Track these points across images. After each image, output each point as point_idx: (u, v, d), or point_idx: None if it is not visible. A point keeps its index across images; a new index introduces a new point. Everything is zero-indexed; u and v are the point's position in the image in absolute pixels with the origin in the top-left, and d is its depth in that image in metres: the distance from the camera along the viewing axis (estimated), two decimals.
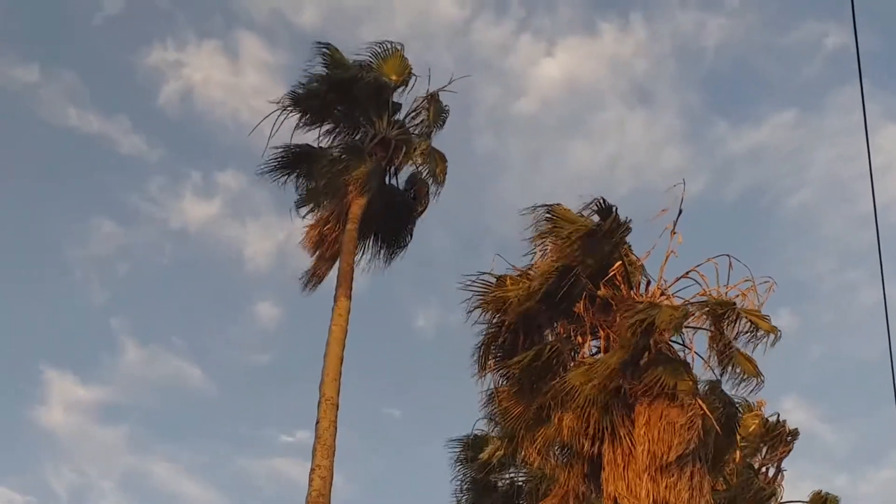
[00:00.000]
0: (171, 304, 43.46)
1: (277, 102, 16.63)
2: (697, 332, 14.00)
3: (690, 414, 12.99)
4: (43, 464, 39.59)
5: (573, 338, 14.19)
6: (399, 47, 17.40)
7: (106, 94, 43.02)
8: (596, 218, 13.74)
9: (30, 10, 41.49)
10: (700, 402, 13.20)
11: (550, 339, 14.10)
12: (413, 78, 17.43)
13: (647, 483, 12.92)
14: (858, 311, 40.04)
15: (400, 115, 17.43)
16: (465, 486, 18.53)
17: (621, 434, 13.18)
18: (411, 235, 17.54)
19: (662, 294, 14.20)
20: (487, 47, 44.30)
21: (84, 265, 41.32)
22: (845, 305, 42.90)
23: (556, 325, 14.23)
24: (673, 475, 12.90)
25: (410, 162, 17.26)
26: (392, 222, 17.41)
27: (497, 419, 14.87)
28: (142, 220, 42.66)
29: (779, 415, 19.41)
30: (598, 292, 13.90)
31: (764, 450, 19.30)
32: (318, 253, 16.70)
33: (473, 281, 14.08)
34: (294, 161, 16.96)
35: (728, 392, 13.87)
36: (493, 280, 14.18)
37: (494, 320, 14.11)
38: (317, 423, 14.51)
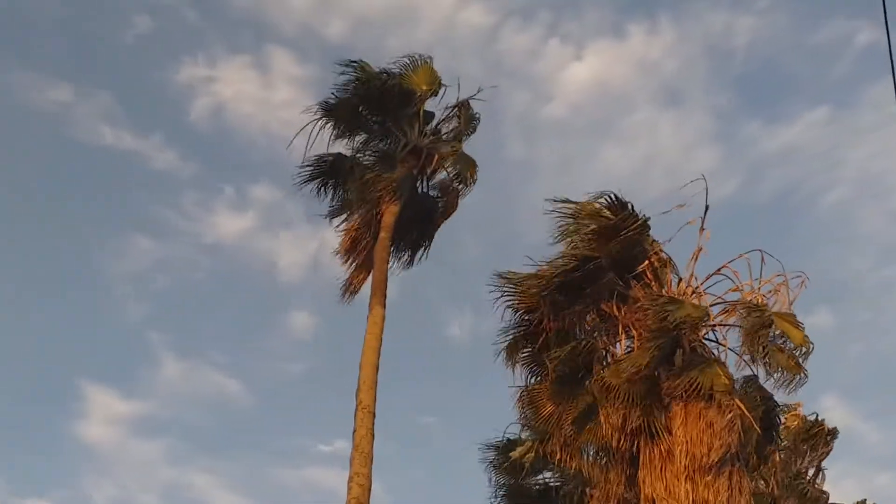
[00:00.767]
0: (207, 317, 44.01)
1: (310, 112, 16.70)
2: (731, 329, 13.89)
3: (729, 415, 12.90)
4: (84, 478, 40.12)
5: (607, 336, 14.14)
6: (428, 59, 17.44)
7: (139, 111, 43.74)
8: (608, 213, 13.74)
9: (63, 30, 42.67)
10: (738, 401, 13.06)
11: (582, 336, 14.11)
12: (443, 88, 17.47)
13: (685, 484, 12.84)
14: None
15: (431, 124, 17.48)
16: (500, 491, 18.45)
17: (658, 434, 13.12)
18: (430, 240, 17.49)
19: (694, 291, 14.11)
20: (515, 53, 44.53)
21: (121, 281, 41.88)
22: (884, 303, 42.57)
23: (585, 318, 14.20)
24: (712, 476, 12.80)
25: (441, 168, 17.27)
26: (422, 229, 17.41)
27: (529, 420, 14.72)
28: (177, 234, 43.23)
29: (817, 414, 19.29)
30: (628, 291, 13.87)
31: (804, 449, 19.09)
32: (352, 262, 16.77)
33: (501, 276, 14.03)
34: (327, 171, 16.99)
35: (767, 388, 13.78)
36: (522, 276, 14.04)
37: (525, 318, 14.05)
38: (354, 431, 14.49)
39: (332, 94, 16.65)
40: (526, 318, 14.05)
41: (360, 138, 17.16)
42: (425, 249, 17.59)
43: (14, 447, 37.26)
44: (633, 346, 13.75)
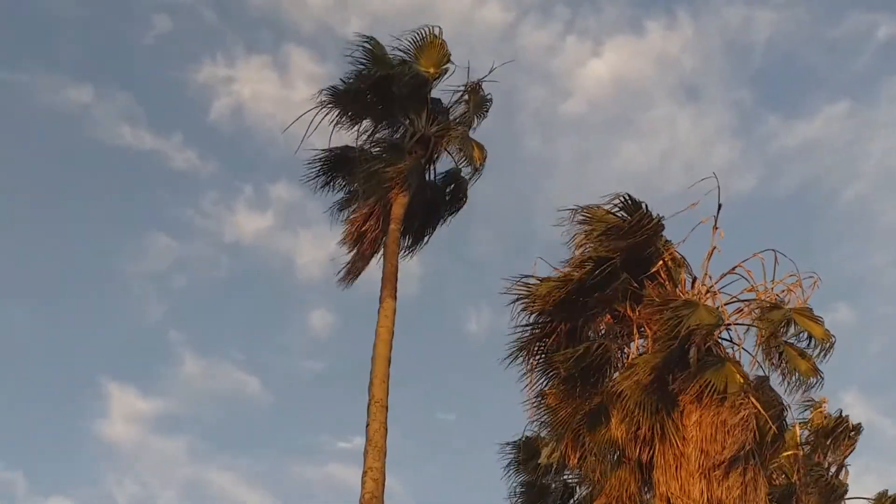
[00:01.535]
0: (227, 315, 44.22)
1: (316, 98, 16.77)
2: (747, 329, 13.92)
3: (744, 413, 12.85)
4: (106, 475, 40.31)
5: (620, 337, 14.18)
6: (437, 33, 17.25)
7: (158, 111, 43.99)
8: (623, 214, 13.70)
9: (82, 31, 43.15)
10: (753, 399, 13.02)
11: (595, 337, 14.12)
12: (452, 66, 17.32)
13: (700, 483, 12.87)
14: None
15: (439, 110, 17.39)
16: (519, 490, 18.61)
17: (672, 434, 13.14)
18: (434, 228, 17.50)
19: (708, 291, 14.10)
20: (533, 50, 44.37)
21: (141, 280, 42.27)
22: None
23: (599, 320, 14.23)
24: (726, 474, 12.82)
25: (448, 154, 17.24)
26: (427, 218, 17.44)
27: (545, 422, 14.76)
28: (196, 234, 43.70)
29: (841, 410, 19.18)
30: (642, 291, 13.86)
31: (828, 445, 19.00)
32: (357, 249, 16.74)
33: (516, 282, 14.01)
34: (335, 163, 17.06)
35: (781, 391, 13.75)
36: (537, 282, 14.08)
37: (539, 320, 14.09)
38: (367, 425, 14.52)
39: (340, 80, 16.72)
40: (540, 320, 14.06)
41: (367, 126, 17.17)
42: (428, 236, 17.60)
43: (36, 445, 38.11)
44: (646, 346, 13.75)
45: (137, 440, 41.39)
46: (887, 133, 43.60)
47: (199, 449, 41.58)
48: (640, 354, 13.68)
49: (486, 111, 17.53)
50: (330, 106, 16.66)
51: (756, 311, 13.77)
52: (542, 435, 17.39)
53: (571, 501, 18.53)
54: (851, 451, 18.98)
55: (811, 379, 13.63)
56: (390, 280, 15.56)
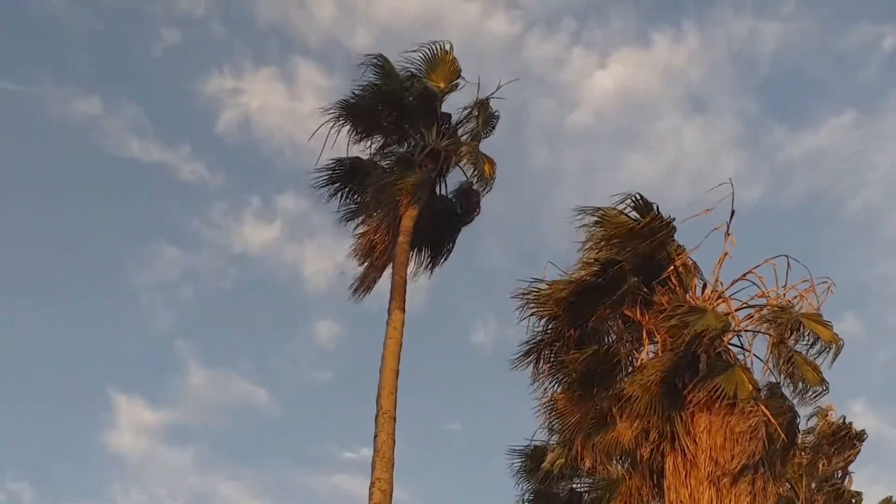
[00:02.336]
0: (234, 326, 44.72)
1: (328, 112, 16.78)
2: (757, 335, 13.83)
3: (753, 421, 12.86)
4: (113, 486, 40.61)
5: (630, 342, 14.07)
6: (448, 48, 17.40)
7: (166, 123, 44.44)
8: (635, 215, 13.62)
9: (91, 44, 43.38)
10: (763, 407, 12.99)
11: (604, 341, 14.05)
12: (462, 81, 17.45)
13: (709, 490, 12.82)
14: None
15: (449, 125, 17.44)
16: (527, 497, 18.52)
17: (683, 442, 13.10)
18: (454, 243, 17.53)
19: (719, 297, 14.04)
20: (540, 62, 45.06)
21: (149, 291, 42.63)
22: None
23: (609, 325, 14.14)
24: (736, 482, 12.80)
25: (458, 168, 17.31)
26: (442, 232, 17.42)
27: (554, 427, 14.71)
28: (204, 245, 44.18)
29: (845, 417, 19.19)
30: (653, 296, 13.78)
31: (831, 452, 18.99)
32: (368, 262, 16.74)
33: (526, 288, 13.92)
34: (345, 175, 17.06)
35: (790, 397, 13.66)
36: (546, 287, 13.98)
37: (548, 325, 13.99)
38: (375, 436, 14.49)
39: (352, 93, 16.75)
40: (549, 325, 13.97)
41: (377, 140, 17.19)
42: (447, 253, 17.62)
43: (43, 456, 38.33)
44: (656, 351, 13.67)
45: (145, 450, 41.89)
46: (894, 143, 43.67)
47: (206, 459, 42.05)
48: (650, 359, 13.59)
49: (494, 127, 17.66)
50: (341, 120, 16.71)
51: (767, 313, 13.71)
52: (551, 442, 17.35)
53: None
54: (855, 458, 19.01)
55: (817, 388, 13.58)
56: (399, 292, 15.56)
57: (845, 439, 19.02)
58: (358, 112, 16.74)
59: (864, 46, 45.91)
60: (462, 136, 17.25)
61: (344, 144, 16.96)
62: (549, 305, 13.86)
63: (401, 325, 15.22)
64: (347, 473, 40.59)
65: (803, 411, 16.28)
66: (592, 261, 13.65)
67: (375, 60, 16.81)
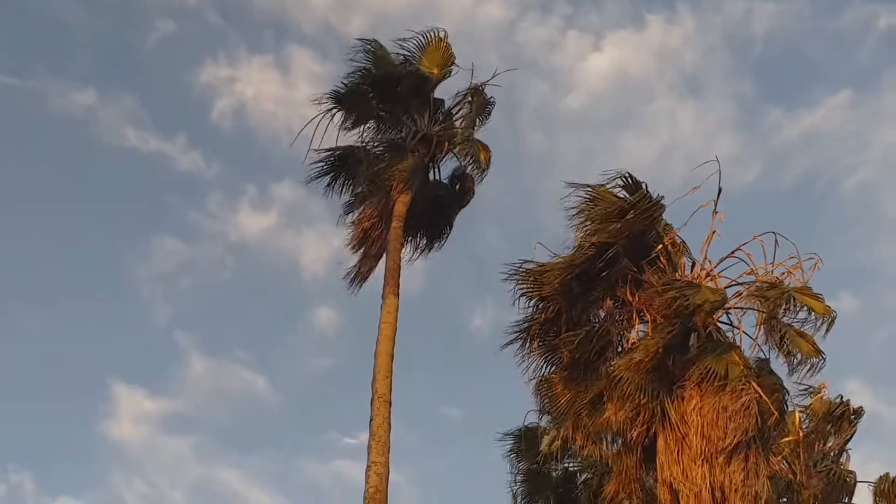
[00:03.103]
0: (233, 315, 44.22)
1: (319, 101, 16.77)
2: (745, 312, 13.90)
3: (745, 398, 12.87)
4: (114, 476, 40.39)
5: (621, 322, 14.15)
6: (442, 35, 17.39)
7: (162, 113, 43.99)
8: (624, 194, 13.68)
9: (85, 35, 43.15)
10: (754, 384, 13.05)
11: (596, 322, 14.09)
12: (456, 68, 17.47)
13: (702, 468, 12.89)
14: None
15: (442, 110, 17.45)
16: (520, 478, 18.62)
17: (674, 420, 13.16)
18: (451, 227, 17.58)
19: (708, 275, 14.10)
20: (534, 45, 44.34)
21: (148, 281, 42.35)
22: None
23: (600, 305, 14.19)
24: (729, 460, 12.85)
25: (452, 155, 17.29)
26: (436, 217, 17.45)
27: (547, 408, 14.80)
28: (202, 235, 43.70)
29: (842, 395, 19.03)
30: (642, 276, 13.82)
31: (829, 430, 18.91)
32: (362, 251, 16.81)
33: (517, 269, 14.09)
34: (338, 164, 17.08)
35: (784, 374, 13.76)
36: (536, 268, 14.10)
37: (539, 306, 14.10)
38: (370, 420, 14.53)
39: (343, 82, 16.77)
40: (541, 306, 14.07)
41: (370, 127, 17.19)
42: (444, 238, 17.67)
43: (44, 447, 38.07)
44: (647, 331, 13.74)
45: (146, 441, 41.56)
46: (890, 123, 43.89)
47: (207, 448, 41.58)
48: (641, 339, 13.66)
49: (490, 114, 17.73)
50: (333, 108, 16.73)
51: (755, 292, 13.73)
52: (543, 423, 17.44)
53: (573, 487, 18.56)
54: (853, 436, 18.92)
55: (813, 359, 13.59)
56: (393, 277, 15.57)
57: (843, 417, 18.97)
58: (350, 99, 16.75)
59: (858, 26, 45.53)
60: (456, 121, 17.30)
61: (337, 133, 17.03)
62: (539, 286, 13.97)
63: (395, 310, 15.25)
64: (349, 459, 40.52)
65: (800, 385, 16.39)
66: (587, 244, 13.71)
67: (369, 45, 16.86)
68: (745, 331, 13.81)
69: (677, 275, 14.07)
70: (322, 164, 16.97)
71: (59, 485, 40.62)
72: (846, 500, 18.41)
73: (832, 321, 13.63)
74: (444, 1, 41.68)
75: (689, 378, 13.19)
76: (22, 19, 40.83)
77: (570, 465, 18.49)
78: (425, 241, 17.58)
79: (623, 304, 14.08)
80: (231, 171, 44.51)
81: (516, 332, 14.14)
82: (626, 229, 13.61)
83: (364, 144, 17.20)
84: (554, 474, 18.48)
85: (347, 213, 17.13)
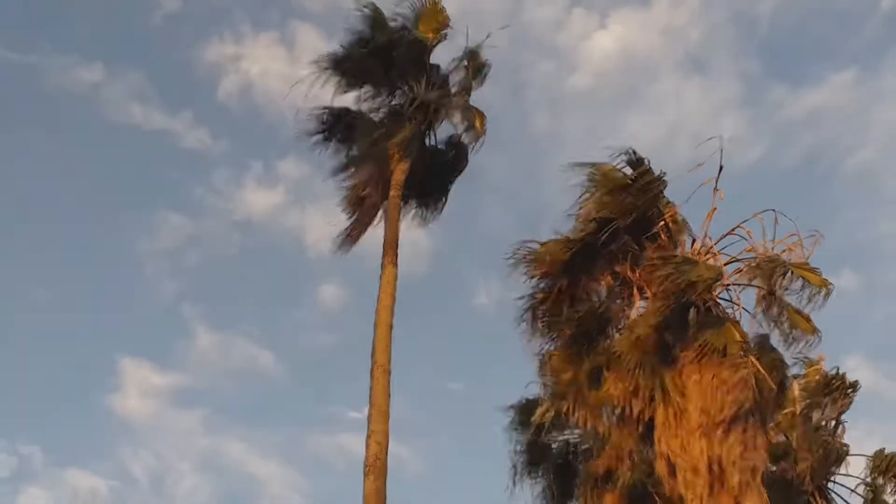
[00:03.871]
0: (239, 291, 45.08)
1: (318, 63, 16.84)
2: (744, 288, 14.05)
3: (743, 372, 13.00)
4: (123, 449, 41.45)
5: (621, 298, 14.29)
6: None
7: (168, 90, 44.73)
8: (629, 170, 13.81)
9: (92, 12, 43.44)
10: (752, 358, 13.18)
11: (597, 298, 14.29)
12: (451, 31, 17.48)
13: (700, 441, 13.02)
14: None
15: (438, 76, 17.43)
16: (521, 449, 18.86)
17: (672, 394, 13.28)
18: (446, 195, 17.63)
19: (708, 252, 14.24)
20: (540, 24, 44.85)
21: (154, 257, 43.18)
22: None
23: (601, 281, 14.35)
24: (727, 433, 12.96)
25: (448, 121, 17.30)
26: (433, 184, 17.51)
27: (548, 381, 15.03)
28: (208, 211, 44.50)
29: (838, 368, 19.27)
30: (643, 252, 13.98)
31: (824, 402, 19.14)
32: (356, 215, 16.82)
33: (520, 248, 14.31)
34: (333, 125, 17.09)
35: (782, 349, 13.89)
36: (539, 246, 14.33)
37: (541, 284, 14.30)
38: (370, 389, 14.66)
39: (341, 45, 16.82)
40: (544, 283, 14.24)
41: (366, 91, 17.18)
42: (440, 206, 17.71)
43: (53, 421, 39.20)
44: (646, 306, 13.84)
45: (153, 414, 42.36)
46: (893, 100, 43.60)
47: (214, 421, 42.52)
48: (640, 315, 13.81)
49: (486, 77, 17.60)
50: (330, 71, 16.74)
51: (755, 265, 13.89)
52: (543, 395, 17.63)
53: (572, 459, 18.82)
54: (848, 408, 19.14)
55: (810, 336, 13.75)
56: (392, 247, 15.65)
57: (838, 390, 19.19)
58: (347, 63, 16.76)
59: (863, 4, 46.22)
60: (452, 87, 17.26)
61: (334, 95, 17.09)
62: (542, 264, 14.16)
63: (394, 280, 15.33)
64: (353, 432, 41.37)
65: (795, 361, 16.59)
66: (590, 220, 13.84)
67: (365, 8, 16.86)
68: (745, 307, 13.93)
69: (677, 251, 14.18)
70: (317, 123, 17.03)
71: (68, 457, 42.52)
72: (839, 471, 18.62)
73: (829, 293, 13.77)
74: None
75: (688, 353, 13.33)
76: None
77: (570, 437, 18.74)
78: (421, 211, 17.66)
79: (623, 280, 14.20)
80: (237, 148, 45.04)
81: (520, 308, 14.32)
82: (628, 205, 13.74)
83: (360, 108, 17.22)
84: (553, 446, 18.74)
85: (339, 174, 17.14)
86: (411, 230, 17.53)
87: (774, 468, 17.83)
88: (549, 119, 45.80)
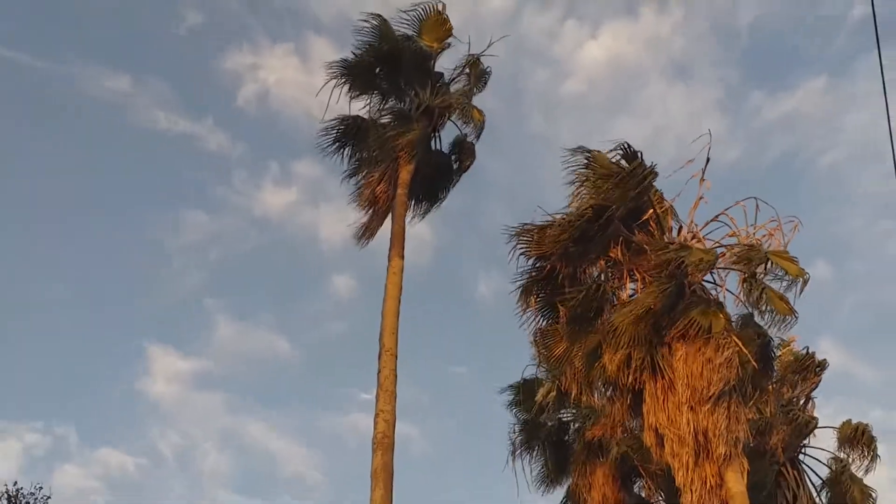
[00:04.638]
0: (257, 283, 47.70)
1: (329, 69, 17.58)
2: (729, 272, 14.75)
3: (728, 352, 13.72)
4: (151, 429, 43.96)
5: (613, 280, 14.95)
6: (440, 8, 18.16)
7: (191, 97, 47.45)
8: (623, 162, 14.42)
9: (120, 25, 45.55)
10: (735, 337, 13.89)
11: (591, 280, 14.86)
12: (454, 40, 18.25)
13: (686, 414, 13.67)
14: (891, 260, 43.15)
15: (442, 82, 18.20)
16: (518, 427, 19.72)
17: (662, 370, 13.96)
18: (447, 192, 18.47)
19: (694, 237, 14.94)
20: (535, 35, 47.13)
21: (180, 252, 45.50)
22: (877, 255, 45.46)
23: (595, 265, 14.98)
24: (711, 407, 13.58)
25: (452, 123, 18.10)
26: (438, 183, 18.31)
27: (544, 359, 15.72)
28: (229, 209, 46.80)
29: (808, 347, 20.20)
30: (634, 237, 14.65)
31: (795, 380, 20.03)
32: (371, 211, 17.57)
33: (517, 229, 14.77)
34: (347, 132, 17.83)
35: (761, 327, 14.59)
36: (535, 228, 14.75)
37: (537, 265, 14.87)
38: (378, 372, 15.34)
39: (352, 53, 17.50)
40: (539, 265, 14.79)
41: (375, 97, 17.93)
42: (442, 201, 18.52)
43: (87, 403, 41.60)
44: (636, 289, 14.60)
45: (178, 396, 44.88)
46: (861, 105, 46.42)
47: (234, 403, 44.96)
48: (632, 296, 14.52)
49: (486, 83, 18.45)
50: (342, 79, 17.52)
51: (738, 252, 14.62)
52: (539, 376, 18.45)
53: (566, 435, 19.74)
54: (817, 385, 20.10)
55: (787, 318, 14.52)
56: (398, 240, 16.41)
57: (809, 368, 20.05)
58: (357, 71, 17.52)
59: (835, 15, 48.71)
60: (455, 92, 18.03)
61: (345, 102, 17.84)
62: (538, 245, 14.66)
63: (400, 271, 16.06)
64: (364, 412, 42.69)
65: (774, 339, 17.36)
66: (584, 206, 14.40)
67: (373, 19, 17.57)
68: (728, 290, 14.65)
69: (665, 237, 14.85)
70: (332, 130, 17.74)
71: (100, 437, 44.35)
72: (810, 444, 19.59)
73: (805, 282, 14.54)
74: None
75: (676, 331, 13.99)
76: (60, 11, 43.88)
77: (564, 415, 19.62)
78: (427, 207, 18.48)
79: (615, 263, 14.87)
80: (255, 151, 47.52)
81: (517, 288, 14.91)
82: (622, 194, 14.30)
83: (370, 114, 17.95)
84: (549, 424, 19.62)
85: (353, 176, 17.89)
86: (417, 225, 18.55)
87: (752, 442, 18.78)
88: (544, 123, 48.51)
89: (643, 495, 19.51)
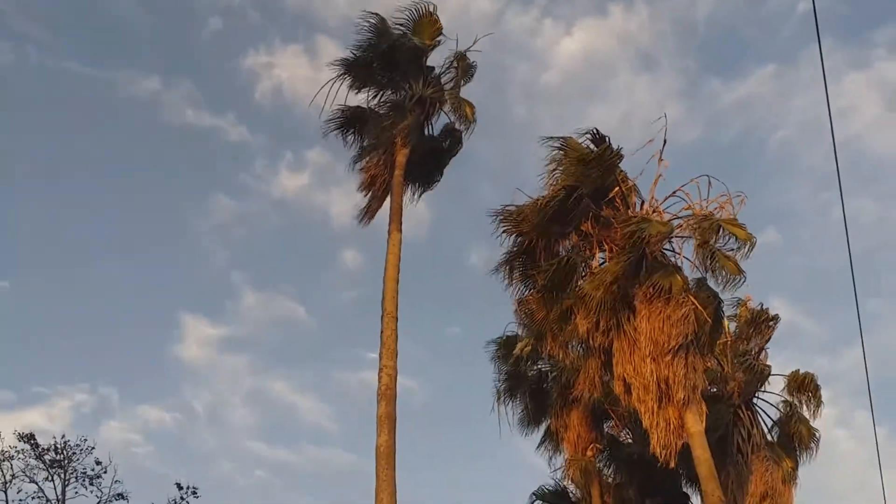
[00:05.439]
0: (278, 257, 52.17)
1: (333, 66, 19.33)
2: (686, 240, 16.21)
3: (685, 309, 15.09)
4: (184, 388, 49.34)
5: (584, 251, 16.36)
6: (431, 9, 19.84)
7: (215, 94, 52.22)
8: (593, 146, 15.84)
9: (150, 34, 49.80)
10: (692, 297, 15.31)
11: (564, 253, 16.25)
12: (444, 38, 19.93)
13: (650, 365, 15.12)
14: (831, 226, 46.94)
15: (433, 75, 19.83)
16: (502, 378, 21.70)
17: (627, 328, 15.40)
18: (442, 174, 20.22)
19: (654, 211, 16.44)
20: (517, 32, 51.09)
21: (208, 232, 50.61)
22: (819, 223, 49.32)
23: (568, 239, 16.39)
24: (671, 358, 14.99)
25: (443, 113, 19.78)
26: (430, 165, 20.01)
27: (525, 322, 17.20)
28: (251, 193, 51.70)
29: (762, 304, 21.82)
30: (602, 212, 16.13)
31: (751, 333, 21.62)
32: (370, 193, 19.34)
33: (500, 211, 16.43)
34: (349, 121, 19.61)
35: (715, 289, 15.86)
36: (515, 209, 16.37)
37: (518, 241, 16.43)
38: (381, 332, 16.87)
39: (352, 52, 19.18)
40: (519, 240, 16.27)
41: (373, 90, 19.61)
42: (436, 182, 20.22)
43: (127, 366, 45.66)
44: (605, 258, 16.06)
45: (209, 359, 49.83)
46: (806, 90, 50.56)
47: (258, 364, 50.93)
48: (601, 265, 16.01)
49: (472, 76, 20.07)
50: (344, 75, 19.27)
51: (692, 224, 16.03)
52: (520, 333, 20.19)
53: (544, 385, 21.75)
54: (770, 337, 21.71)
55: (737, 277, 15.78)
56: (396, 216, 18.09)
57: (763, 322, 21.57)
58: (357, 67, 19.25)
59: (782, 10, 52.64)
60: (445, 84, 19.69)
61: (349, 95, 19.64)
62: (518, 224, 16.20)
63: (398, 243, 17.72)
64: (372, 370, 45.61)
65: (729, 301, 19.06)
66: (559, 188, 15.78)
67: (371, 18, 19.25)
68: (685, 255, 16.09)
69: (629, 212, 16.33)
70: (336, 120, 19.49)
71: (139, 396, 49.22)
72: (763, 389, 21.23)
73: (753, 245, 15.86)
74: None
75: (640, 293, 15.46)
76: (98, 23, 48.69)
77: (543, 367, 21.59)
78: (421, 187, 20.21)
79: (586, 236, 16.29)
80: (272, 141, 52.26)
81: (501, 262, 16.50)
82: (591, 174, 15.74)
83: (369, 106, 19.61)
84: (530, 374, 21.60)
85: (356, 162, 19.63)
86: (413, 203, 20.20)
87: (711, 389, 20.18)
88: (526, 110, 53.00)
89: (612, 433, 21.62)
